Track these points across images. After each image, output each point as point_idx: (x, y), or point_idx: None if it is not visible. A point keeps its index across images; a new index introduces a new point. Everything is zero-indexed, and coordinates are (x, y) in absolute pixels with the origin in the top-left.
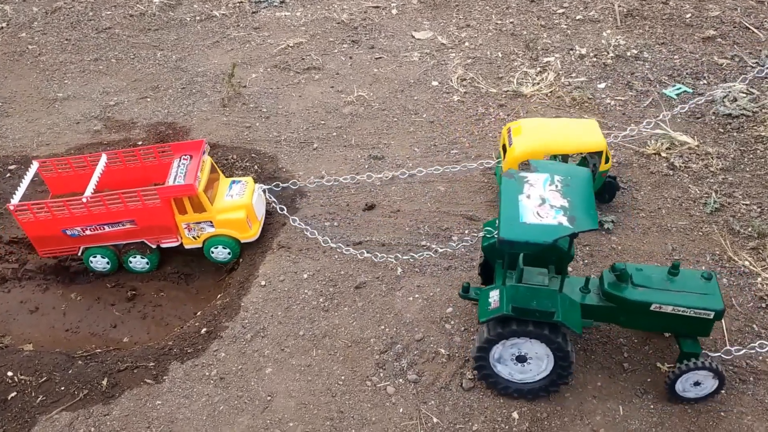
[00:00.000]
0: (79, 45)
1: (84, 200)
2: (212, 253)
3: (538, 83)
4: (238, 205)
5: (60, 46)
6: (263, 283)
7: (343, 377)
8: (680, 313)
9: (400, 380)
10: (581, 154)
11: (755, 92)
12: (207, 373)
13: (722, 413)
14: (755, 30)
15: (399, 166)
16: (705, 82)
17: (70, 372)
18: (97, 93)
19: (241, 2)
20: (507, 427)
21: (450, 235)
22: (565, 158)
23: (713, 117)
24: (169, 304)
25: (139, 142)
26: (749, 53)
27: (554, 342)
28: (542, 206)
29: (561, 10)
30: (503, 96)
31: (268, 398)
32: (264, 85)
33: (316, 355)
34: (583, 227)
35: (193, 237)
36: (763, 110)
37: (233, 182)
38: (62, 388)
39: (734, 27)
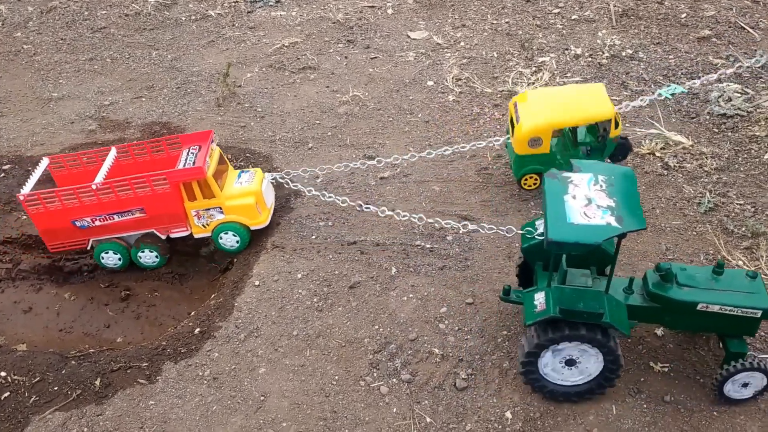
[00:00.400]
0: (74, 44)
1: (93, 187)
2: (221, 239)
3: (533, 83)
4: (247, 191)
5: (55, 46)
6: (257, 283)
7: (336, 377)
8: (727, 312)
9: (394, 380)
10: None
11: (750, 92)
12: (200, 373)
13: (715, 413)
14: (750, 30)
15: (394, 166)
16: (699, 82)
17: (63, 372)
18: (92, 93)
19: (237, 2)
20: (500, 426)
21: (444, 235)
22: (574, 129)
23: (708, 117)
24: (163, 304)
25: (134, 141)
26: (744, 53)
27: (605, 345)
28: (589, 206)
29: (556, 10)
30: (498, 96)
31: (262, 398)
32: (259, 85)
33: (309, 355)
34: (632, 227)
35: (203, 225)
36: (758, 110)
37: (242, 172)
38: (55, 388)
39: (729, 27)
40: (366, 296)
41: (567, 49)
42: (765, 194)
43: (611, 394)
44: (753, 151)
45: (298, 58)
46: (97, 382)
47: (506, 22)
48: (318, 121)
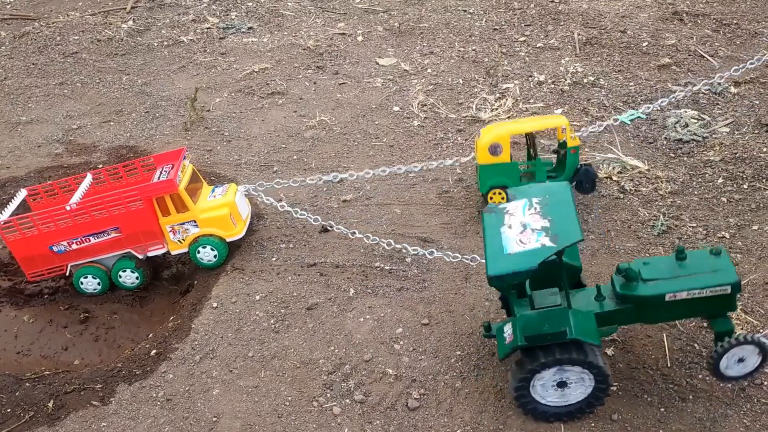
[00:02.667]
0: (45, 69)
1: (67, 208)
2: (198, 254)
3: (497, 109)
4: (221, 203)
5: (26, 70)
6: (215, 304)
7: (290, 398)
8: (696, 296)
9: (347, 400)
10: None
11: (706, 118)
12: (154, 395)
13: (660, 431)
14: (709, 58)
15: (357, 189)
16: (658, 108)
17: (17, 394)
18: (61, 117)
19: (209, 28)
20: None
21: (404, 257)
22: (531, 138)
23: (665, 142)
24: (122, 326)
25: (100, 165)
26: (702, 80)
27: (585, 362)
28: (524, 233)
29: (522, 38)
30: (462, 121)
31: (214, 419)
32: (227, 110)
33: (264, 377)
34: (567, 242)
35: (179, 240)
36: (713, 136)
37: (215, 187)
38: (8, 410)
39: (689, 55)
40: (323, 317)
41: (531, 76)
42: (717, 217)
43: None
44: (707, 175)
45: (268, 84)
46: (50, 404)
47: (473, 50)
48: (284, 145)
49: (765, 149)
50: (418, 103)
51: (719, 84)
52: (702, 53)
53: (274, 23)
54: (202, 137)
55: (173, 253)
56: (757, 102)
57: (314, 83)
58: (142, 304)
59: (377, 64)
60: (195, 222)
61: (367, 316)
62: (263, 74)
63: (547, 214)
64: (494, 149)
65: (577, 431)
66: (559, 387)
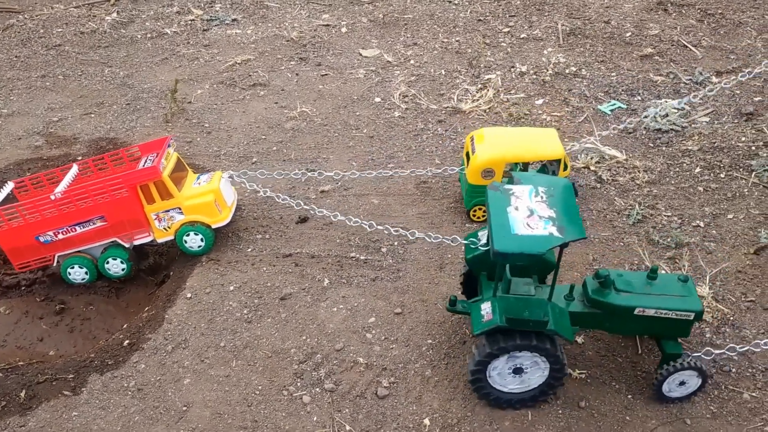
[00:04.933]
0: (27, 62)
1: (52, 197)
2: (185, 242)
3: (478, 100)
4: (205, 190)
5: (9, 63)
6: (189, 295)
7: (260, 387)
8: (663, 315)
9: (317, 389)
10: (541, 162)
11: (686, 108)
12: (125, 385)
13: (628, 417)
14: (692, 48)
15: (335, 180)
16: (639, 98)
17: None
18: (42, 109)
19: (193, 20)
20: None
21: (379, 247)
22: (525, 166)
23: (644, 132)
24: (98, 317)
25: (79, 157)
26: (684, 70)
27: (553, 355)
28: (531, 217)
29: (506, 29)
30: (443, 112)
31: (184, 408)
32: (209, 101)
33: (235, 366)
34: (573, 236)
35: (164, 228)
36: (693, 125)
37: (200, 175)
38: None
39: (672, 45)
40: (296, 307)
41: (513, 67)
42: (693, 206)
43: None
44: (685, 165)
45: (250, 75)
46: (22, 394)
47: (456, 41)
48: (264, 137)
49: (743, 138)
50: (400, 94)
51: (700, 74)
52: (685, 43)
53: (259, 15)
54: (182, 129)
55: (159, 240)
56: (738, 92)
57: (296, 74)
58: (119, 295)
59: (360, 55)
60: (180, 209)
61: (341, 306)
62: (246, 66)
63: (553, 205)
64: (487, 173)
65: (544, 417)
66: (515, 373)
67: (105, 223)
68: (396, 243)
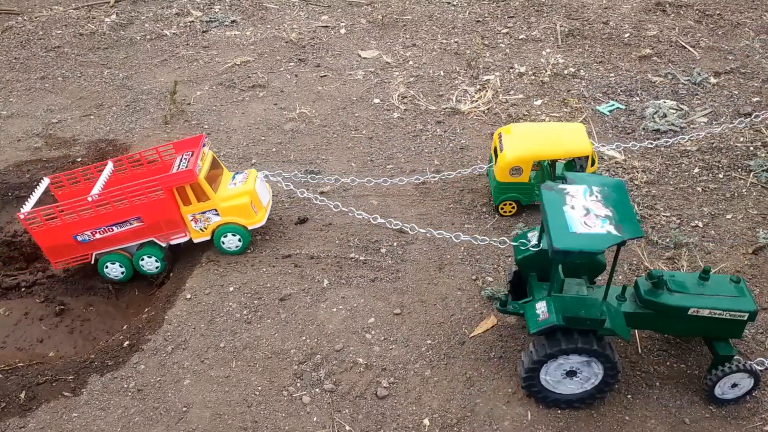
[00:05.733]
0: (27, 64)
1: (89, 199)
2: (223, 243)
3: (476, 100)
4: (241, 191)
5: (8, 65)
6: (189, 296)
7: (260, 388)
8: (716, 316)
9: (317, 390)
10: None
11: (685, 108)
12: (125, 386)
13: (627, 417)
14: (691, 48)
15: (335, 181)
16: (638, 98)
17: None
18: (41, 111)
19: (193, 22)
20: None
21: (378, 248)
22: (553, 162)
23: (642, 132)
24: (98, 318)
25: (78, 159)
26: (683, 71)
27: (602, 355)
28: (588, 216)
29: (505, 30)
30: (441, 113)
31: (184, 409)
32: (208, 103)
33: (235, 367)
34: (631, 235)
35: (201, 229)
36: (691, 126)
37: (236, 174)
38: None
39: (670, 46)
40: (296, 308)
41: (512, 68)
42: (691, 207)
43: (527, 401)
44: (683, 165)
45: (249, 77)
46: (22, 395)
47: (455, 42)
48: (263, 138)
49: (742, 139)
50: (399, 95)
51: (698, 74)
52: (683, 44)
53: (258, 16)
54: (181, 130)
55: (195, 241)
56: (737, 92)
57: (296, 76)
58: (118, 296)
59: (359, 56)
60: (216, 211)
61: (340, 307)
62: (245, 67)
63: (608, 203)
64: (515, 171)
65: (543, 418)
66: (568, 375)
67: (142, 223)
68: (395, 243)
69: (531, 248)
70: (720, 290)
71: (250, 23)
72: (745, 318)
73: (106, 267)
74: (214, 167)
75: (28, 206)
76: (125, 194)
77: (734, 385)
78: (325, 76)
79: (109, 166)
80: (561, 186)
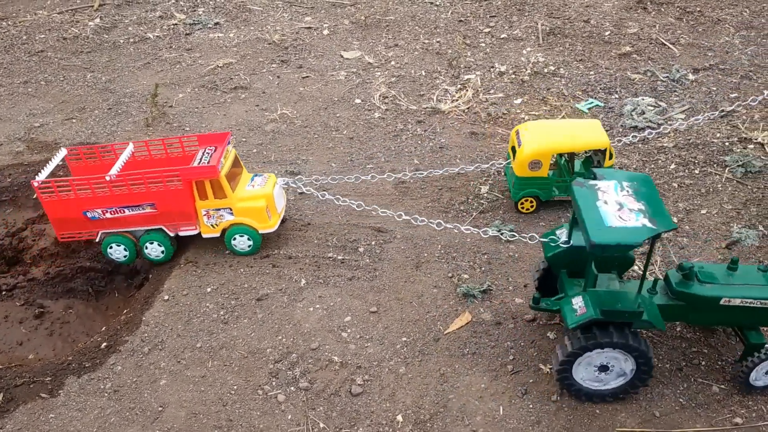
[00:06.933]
0: (10, 68)
1: (107, 178)
2: (234, 242)
3: (457, 100)
4: (258, 194)
5: None
6: (166, 297)
7: (235, 387)
8: (747, 305)
9: (292, 388)
10: (587, 152)
11: (663, 105)
12: (102, 386)
13: (597, 410)
14: (670, 45)
15: (315, 181)
16: (617, 96)
17: None
18: (24, 115)
19: (176, 24)
20: (391, 429)
21: (357, 247)
22: (571, 156)
23: (621, 129)
24: (77, 321)
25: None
26: (662, 68)
27: (636, 349)
28: (622, 210)
29: (487, 30)
30: (422, 113)
31: (160, 409)
32: (190, 105)
33: (211, 366)
34: (665, 227)
35: (212, 225)
36: (669, 122)
37: (255, 175)
38: None
39: (650, 43)
40: (273, 308)
41: (492, 67)
42: (667, 202)
43: (499, 396)
44: (660, 161)
45: (231, 78)
46: (0, 397)
47: (437, 42)
48: (244, 139)
49: (718, 135)
50: (380, 96)
51: (677, 71)
52: (663, 41)
53: (241, 18)
54: (163, 132)
55: (204, 236)
56: (715, 89)
57: (278, 77)
58: (98, 298)
59: (342, 57)
60: (230, 210)
61: (317, 306)
62: (227, 69)
63: (640, 198)
64: (534, 165)
65: (515, 412)
66: (601, 370)
67: (154, 210)
68: (373, 242)
69: (561, 245)
70: (749, 279)
71: (234, 25)
72: None
73: (110, 248)
74: (234, 166)
75: (42, 175)
76: (144, 179)
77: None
78: (307, 77)
79: (130, 147)
80: (591, 182)
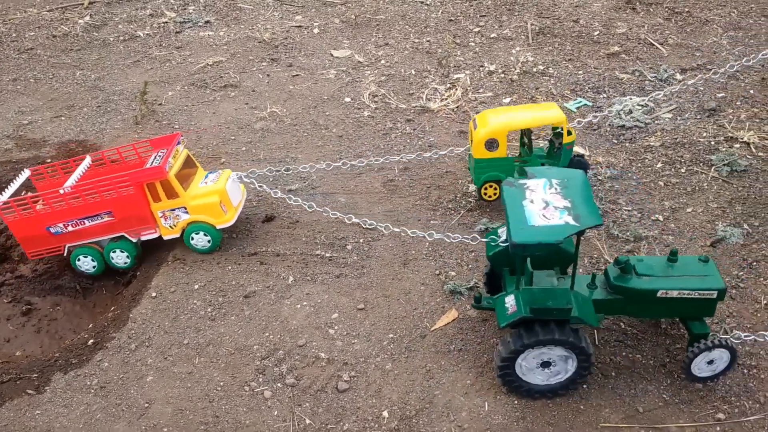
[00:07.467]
0: None
1: (61, 191)
2: (192, 240)
3: (446, 99)
4: (211, 190)
5: None
6: (154, 294)
7: (222, 383)
8: (685, 296)
9: (278, 384)
10: (547, 136)
11: (650, 104)
12: (88, 383)
13: (582, 406)
14: (659, 46)
15: (303, 179)
16: (605, 95)
17: None
18: (12, 112)
19: (166, 22)
20: (377, 425)
21: (345, 244)
22: (528, 133)
23: (608, 128)
24: (64, 318)
25: (48, 159)
26: (650, 68)
27: (576, 346)
28: (546, 209)
29: (477, 29)
30: (411, 111)
31: (146, 405)
32: (179, 103)
33: (198, 363)
34: (589, 224)
35: (170, 226)
36: (656, 122)
37: (209, 173)
38: None
39: (639, 43)
40: (260, 305)
41: (482, 66)
42: (653, 201)
43: (485, 392)
44: (647, 160)
45: (221, 77)
46: None
47: (427, 41)
48: (233, 137)
49: (705, 134)
50: (370, 94)
51: (665, 71)
52: (652, 41)
53: (232, 17)
54: (152, 130)
55: (165, 238)
56: (702, 88)
57: (268, 75)
58: (86, 295)
59: (332, 56)
60: (185, 209)
61: (304, 303)
62: (217, 67)
63: (568, 195)
64: (490, 144)
65: (500, 408)
66: (543, 366)
67: (112, 218)
68: (361, 240)
69: (500, 244)
70: (688, 271)
71: (224, 24)
72: (715, 296)
73: (78, 260)
74: (188, 165)
75: (5, 196)
76: (96, 188)
77: (711, 362)
78: (297, 75)
79: (87, 160)
80: (521, 181)
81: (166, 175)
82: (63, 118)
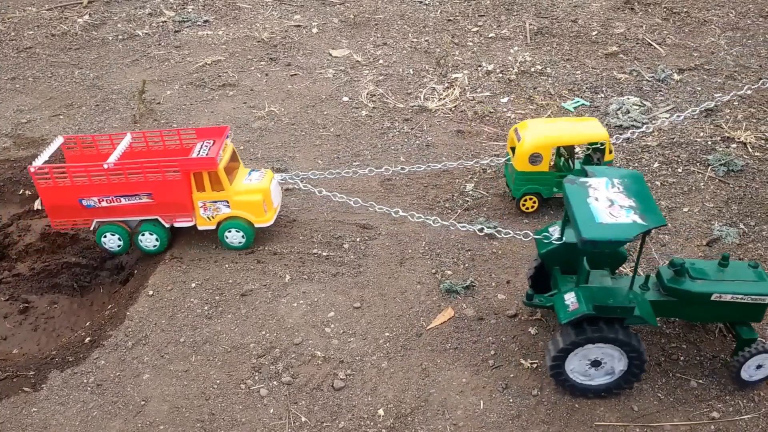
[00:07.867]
0: None
1: (105, 167)
2: (226, 237)
3: (444, 98)
4: (256, 188)
5: None
6: (151, 292)
7: (218, 381)
8: (738, 300)
9: (274, 382)
10: (586, 150)
11: (648, 104)
12: (85, 381)
13: (576, 405)
14: (657, 46)
15: (300, 178)
16: (602, 95)
17: None
18: (11, 111)
19: (165, 22)
20: (372, 423)
21: (342, 243)
22: (571, 150)
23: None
24: (62, 316)
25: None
26: (647, 68)
27: (627, 344)
28: (612, 207)
29: (475, 29)
30: (409, 111)
31: (142, 403)
32: (177, 102)
33: (194, 361)
34: (655, 223)
35: (208, 217)
36: (653, 122)
37: (252, 170)
38: None
39: (637, 43)
40: (257, 303)
41: (480, 66)
42: None
43: (480, 391)
44: (644, 160)
45: (220, 76)
46: None
47: (426, 41)
48: (231, 136)
49: (702, 134)
50: (368, 94)
51: (663, 71)
52: (650, 41)
53: (231, 16)
54: (150, 129)
55: (199, 228)
56: (699, 88)
57: (266, 75)
58: (83, 293)
59: (330, 55)
60: (227, 202)
61: (301, 301)
62: (216, 66)
63: (631, 194)
64: (534, 158)
65: (495, 406)
66: (593, 366)
67: (151, 200)
68: (358, 239)
69: (554, 242)
70: (740, 276)
71: (223, 23)
72: (766, 301)
73: (104, 236)
74: (232, 160)
75: (39, 161)
76: (142, 169)
77: (759, 367)
78: (295, 74)
79: (128, 138)
80: (582, 179)
81: (217, 167)
82: (61, 117)
